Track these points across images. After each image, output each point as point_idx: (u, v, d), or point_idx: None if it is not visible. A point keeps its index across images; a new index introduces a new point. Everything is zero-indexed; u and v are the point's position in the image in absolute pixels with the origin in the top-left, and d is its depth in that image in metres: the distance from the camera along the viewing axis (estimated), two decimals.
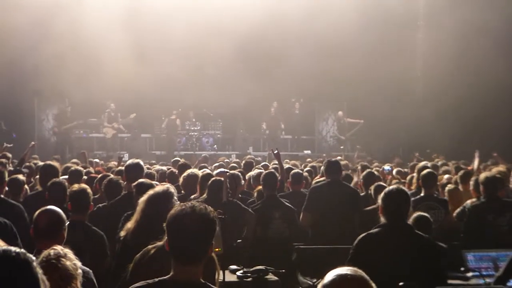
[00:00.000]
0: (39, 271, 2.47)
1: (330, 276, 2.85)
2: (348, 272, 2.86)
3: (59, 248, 3.96)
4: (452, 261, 7.02)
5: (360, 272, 2.88)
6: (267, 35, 23.32)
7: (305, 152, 25.32)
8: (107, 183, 8.71)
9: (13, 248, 2.46)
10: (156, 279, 3.63)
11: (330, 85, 24.68)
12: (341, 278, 2.84)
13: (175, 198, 5.82)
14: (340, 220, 8.72)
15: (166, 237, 3.68)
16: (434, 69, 23.44)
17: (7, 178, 8.45)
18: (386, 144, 24.74)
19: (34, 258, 2.48)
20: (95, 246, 6.48)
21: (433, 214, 8.52)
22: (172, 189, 5.97)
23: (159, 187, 5.97)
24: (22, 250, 2.47)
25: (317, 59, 24.16)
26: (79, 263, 3.97)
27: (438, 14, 23.47)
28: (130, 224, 5.79)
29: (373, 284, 2.86)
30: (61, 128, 24.56)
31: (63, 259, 3.84)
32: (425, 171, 9.63)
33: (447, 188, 10.01)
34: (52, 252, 3.87)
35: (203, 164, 13.91)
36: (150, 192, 5.81)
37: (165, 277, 3.63)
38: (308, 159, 18.68)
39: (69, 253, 3.96)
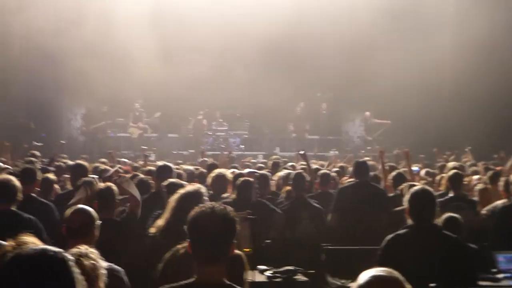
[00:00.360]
0: (76, 270, 2.50)
1: (365, 276, 2.84)
2: (384, 273, 2.85)
3: (83, 247, 3.98)
4: (483, 263, 6.96)
5: (396, 273, 2.86)
6: (294, 35, 23.31)
7: (332, 152, 25.21)
8: (137, 182, 8.82)
9: (51, 248, 2.49)
10: (182, 283, 3.64)
11: (357, 85, 24.59)
12: (376, 279, 2.82)
13: (206, 198, 5.83)
14: (368, 221, 8.70)
15: (188, 239, 3.69)
16: (462, 69, 23.22)
17: (39, 178, 8.55)
18: (414, 144, 24.58)
19: (71, 257, 2.50)
20: (125, 244, 6.53)
21: (463, 214, 8.44)
22: (203, 189, 5.99)
23: (190, 187, 5.99)
24: (60, 250, 2.50)
25: (344, 59, 24.11)
26: (103, 263, 3.98)
27: (466, 12, 23.26)
28: (160, 223, 5.82)
29: (408, 285, 2.85)
30: (89, 127, 24.76)
31: (82, 259, 3.85)
32: (451, 172, 9.57)
33: (477, 188, 9.92)
34: (73, 251, 3.90)
35: (234, 165, 13.94)
36: (181, 191, 5.83)
37: (188, 280, 3.63)
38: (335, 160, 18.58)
39: (92, 252, 3.97)
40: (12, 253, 2.51)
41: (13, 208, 6.63)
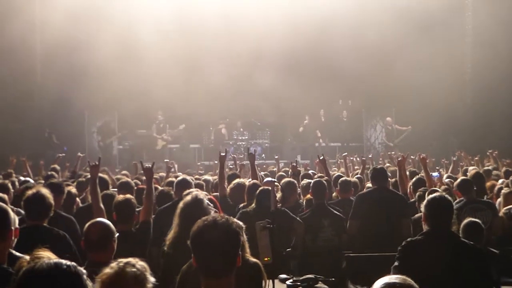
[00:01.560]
0: (89, 284, 2.52)
1: (378, 284, 2.83)
2: (397, 281, 2.83)
3: (133, 260, 4.04)
4: (506, 267, 6.89)
5: (409, 280, 2.85)
6: (314, 43, 23.30)
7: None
8: (158, 194, 8.91)
9: (64, 261, 2.52)
10: None
11: (379, 91, 24.56)
12: (390, 287, 2.81)
13: (207, 203, 5.84)
14: (387, 227, 8.65)
15: (192, 253, 3.66)
16: (483, 74, 23.10)
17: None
18: (436, 149, 24.48)
19: (84, 271, 2.53)
20: (142, 254, 6.54)
21: (480, 216, 8.38)
22: (201, 195, 6.01)
23: (188, 197, 6.00)
24: (73, 263, 2.52)
25: (365, 66, 24.05)
26: (149, 276, 4.04)
27: (486, 18, 23.13)
28: (169, 235, 5.86)
29: None
30: (105, 141, 24.90)
31: (130, 267, 3.92)
32: (459, 179, 9.54)
33: (502, 191, 9.84)
34: (122, 261, 3.96)
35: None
36: (180, 204, 5.87)
37: None
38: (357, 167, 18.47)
39: (137, 261, 4.04)
40: (26, 267, 2.54)
41: (45, 224, 6.67)
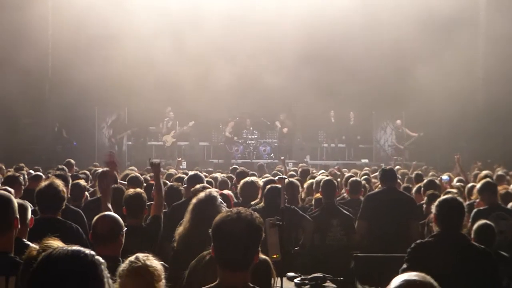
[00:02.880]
0: (106, 272, 2.51)
1: (397, 281, 2.79)
2: (417, 278, 2.80)
3: (140, 254, 4.07)
4: None
5: (429, 278, 2.81)
6: (326, 43, 23.23)
7: (363, 161, 25.12)
8: (168, 189, 8.90)
9: (82, 249, 2.51)
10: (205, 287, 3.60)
11: (389, 94, 24.51)
12: (409, 283, 2.78)
13: (220, 201, 5.82)
14: (396, 228, 8.61)
15: (212, 244, 3.65)
16: (495, 78, 23.01)
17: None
18: (446, 153, 24.41)
19: (102, 260, 2.51)
20: (152, 249, 6.52)
21: (504, 224, 8.27)
22: (215, 193, 5.99)
23: (202, 193, 5.98)
24: (91, 251, 2.51)
25: (376, 67, 24.01)
26: (160, 266, 4.06)
27: (498, 21, 23.03)
28: (180, 231, 5.82)
29: None
30: (116, 136, 24.94)
31: (148, 261, 3.97)
32: (480, 183, 9.44)
33: None
34: (137, 256, 4.00)
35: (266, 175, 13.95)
36: (194, 200, 5.85)
37: (211, 285, 3.60)
38: (366, 168, 18.48)
39: (150, 256, 4.07)
40: (45, 254, 2.53)
41: (59, 217, 6.66)
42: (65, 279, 2.41)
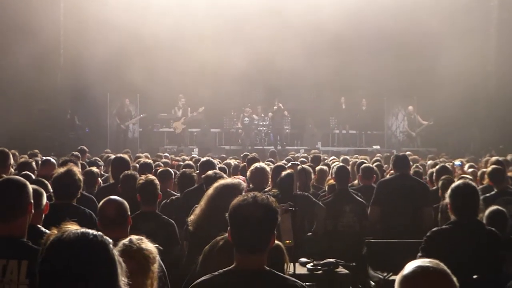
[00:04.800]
0: (116, 253, 2.54)
1: (411, 267, 2.81)
2: (430, 265, 2.82)
3: (134, 236, 4.09)
4: None
5: (442, 265, 2.83)
6: (339, 29, 23.16)
7: (374, 147, 25.10)
8: (180, 175, 8.94)
9: (91, 231, 2.54)
10: (221, 271, 3.63)
11: (401, 79, 24.44)
12: (423, 270, 2.80)
13: (243, 187, 5.83)
14: (409, 214, 8.63)
15: (229, 227, 3.69)
16: (507, 64, 22.90)
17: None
18: (458, 139, 24.38)
19: (111, 240, 2.55)
20: (166, 235, 6.57)
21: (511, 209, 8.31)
22: (244, 185, 5.98)
23: (230, 179, 5.99)
24: (100, 233, 2.54)
25: (388, 54, 23.95)
26: (154, 249, 4.08)
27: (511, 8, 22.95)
28: (197, 215, 5.81)
29: (454, 278, 2.82)
30: (124, 124, 24.97)
31: (143, 244, 3.99)
32: (491, 167, 9.45)
33: None
34: (131, 238, 4.03)
35: (270, 159, 14.00)
36: (221, 183, 5.82)
37: (229, 268, 3.63)
38: (378, 154, 18.47)
39: (144, 239, 4.09)
40: (54, 237, 2.56)
41: (74, 203, 6.71)
42: (76, 260, 2.45)
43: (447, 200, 5.95)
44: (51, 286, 2.47)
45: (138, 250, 3.98)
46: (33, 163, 10.12)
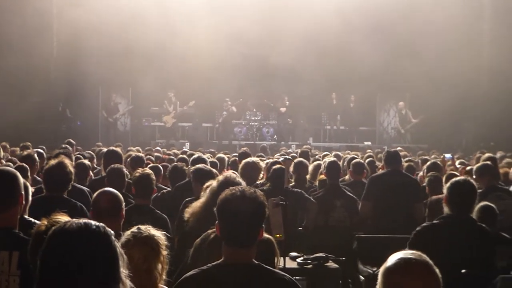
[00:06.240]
0: (118, 244, 2.56)
1: (394, 259, 2.84)
2: (413, 257, 2.84)
3: (141, 226, 4.15)
4: None
5: (425, 256, 2.86)
6: (331, 26, 23.17)
7: (366, 143, 25.14)
8: (172, 169, 8.95)
9: (93, 222, 2.56)
10: (210, 265, 3.64)
11: (393, 75, 24.47)
12: (405, 262, 2.82)
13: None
14: (400, 209, 8.65)
15: (217, 222, 3.69)
16: (499, 60, 22.95)
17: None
18: (449, 136, 24.45)
19: (112, 232, 2.57)
20: (160, 229, 6.56)
21: (503, 204, 8.34)
22: (239, 178, 5.99)
23: (230, 173, 5.98)
24: (102, 224, 2.56)
25: (380, 49, 23.95)
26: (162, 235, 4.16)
27: (505, 2, 22.98)
28: (195, 209, 5.79)
29: (437, 269, 2.84)
30: (111, 117, 24.93)
31: (152, 231, 4.05)
32: (478, 164, 9.51)
33: None
34: (139, 226, 4.09)
35: (261, 154, 14.04)
36: (224, 176, 5.82)
37: (217, 262, 3.64)
38: (369, 150, 18.50)
39: (151, 227, 4.16)
40: (57, 227, 2.57)
41: (65, 196, 6.71)
42: (78, 251, 2.46)
43: (444, 192, 6.00)
44: (53, 276, 2.47)
45: (148, 236, 4.05)
46: (35, 155, 10.12)
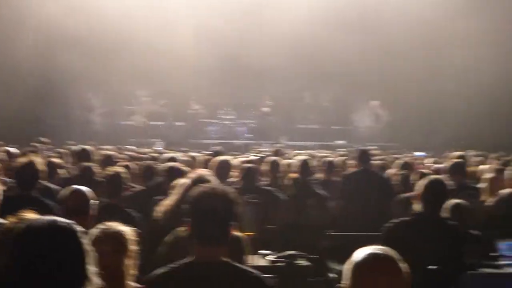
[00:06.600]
0: (85, 241, 2.54)
1: (361, 254, 2.85)
2: (381, 252, 2.86)
3: (109, 222, 4.15)
4: (485, 249, 6.95)
5: (391, 251, 2.87)
6: (305, 25, 23.20)
7: (338, 142, 25.20)
8: (144, 168, 8.95)
9: (60, 219, 2.54)
10: (180, 262, 3.62)
11: (366, 75, 24.55)
12: (373, 257, 2.84)
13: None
14: (371, 207, 8.71)
15: (188, 219, 3.68)
16: (470, 58, 23.13)
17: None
18: (421, 135, 24.60)
19: (79, 228, 2.55)
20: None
21: (474, 202, 8.43)
22: (211, 175, 5.99)
23: (202, 170, 5.99)
24: (70, 221, 2.54)
25: (353, 48, 24.02)
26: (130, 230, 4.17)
27: (476, 4, 23.16)
28: (167, 207, 5.78)
29: (405, 265, 2.86)
30: (86, 116, 24.78)
31: (119, 226, 4.07)
32: (450, 162, 9.59)
33: (488, 177, 9.88)
34: (106, 223, 4.08)
35: (236, 152, 14.05)
36: (191, 175, 5.82)
37: (187, 260, 3.62)
38: (342, 149, 18.58)
39: (119, 223, 4.16)
40: (23, 224, 2.55)
41: (35, 194, 6.67)
42: (45, 249, 2.44)
43: (416, 190, 6.04)
44: (20, 274, 2.45)
45: (117, 232, 4.07)
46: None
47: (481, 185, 9.41)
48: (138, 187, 8.87)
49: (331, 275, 7.99)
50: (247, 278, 3.61)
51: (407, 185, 8.90)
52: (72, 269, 2.49)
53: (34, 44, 23.49)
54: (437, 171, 10.19)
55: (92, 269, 2.55)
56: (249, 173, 8.10)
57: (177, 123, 25.94)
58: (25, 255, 2.45)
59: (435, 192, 5.85)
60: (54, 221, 2.53)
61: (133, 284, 4.09)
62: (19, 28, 22.62)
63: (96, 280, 2.57)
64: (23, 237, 2.49)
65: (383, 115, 25.76)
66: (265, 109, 25.73)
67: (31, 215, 3.43)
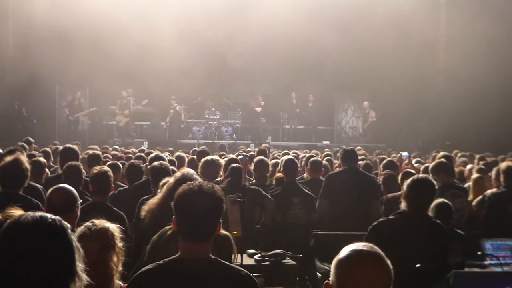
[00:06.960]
0: (74, 238, 2.54)
1: (346, 251, 2.87)
2: (364, 248, 2.87)
3: (95, 220, 4.14)
4: (470, 249, 7.00)
5: (376, 248, 2.89)
6: (291, 26, 23.24)
7: (324, 142, 25.28)
8: (129, 167, 8.91)
9: (49, 215, 2.53)
10: (166, 259, 3.60)
11: (351, 75, 24.62)
12: (357, 253, 2.85)
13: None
14: (356, 207, 8.70)
15: (174, 216, 3.67)
16: (455, 59, 23.25)
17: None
18: (406, 135, 24.71)
19: (69, 225, 2.55)
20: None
21: (459, 202, 8.48)
22: (196, 174, 5.98)
23: (186, 170, 5.96)
24: (58, 217, 2.54)
25: (338, 49, 24.09)
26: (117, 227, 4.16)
27: (461, 4, 23.29)
28: (152, 206, 5.76)
29: (388, 261, 2.87)
30: (73, 115, 24.72)
31: (106, 224, 4.05)
32: (434, 162, 9.64)
33: (472, 177, 9.95)
34: (93, 220, 4.07)
35: (222, 152, 14.05)
36: (181, 172, 5.80)
37: (174, 257, 3.60)
38: (326, 149, 18.60)
39: (105, 221, 4.16)
40: (11, 220, 2.54)
41: (21, 193, 6.63)
42: (36, 243, 2.44)
43: (403, 189, 6.06)
44: (8, 269, 2.44)
45: (103, 228, 4.06)
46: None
47: (467, 185, 9.50)
48: (124, 186, 8.87)
49: (317, 273, 8.01)
50: (233, 276, 3.60)
51: (392, 184, 8.93)
52: (60, 265, 2.48)
53: (16, 43, 23.43)
54: (421, 171, 10.23)
55: (81, 265, 2.55)
56: (235, 173, 8.08)
57: (161, 123, 25.90)
58: (12, 250, 2.44)
59: (420, 191, 5.87)
60: (43, 217, 2.52)
61: (119, 281, 4.09)
62: (1, 27, 22.51)
63: (84, 276, 2.57)
64: (11, 232, 2.48)
65: (372, 116, 25.82)
66: (258, 109, 25.74)
67: (18, 212, 3.44)
